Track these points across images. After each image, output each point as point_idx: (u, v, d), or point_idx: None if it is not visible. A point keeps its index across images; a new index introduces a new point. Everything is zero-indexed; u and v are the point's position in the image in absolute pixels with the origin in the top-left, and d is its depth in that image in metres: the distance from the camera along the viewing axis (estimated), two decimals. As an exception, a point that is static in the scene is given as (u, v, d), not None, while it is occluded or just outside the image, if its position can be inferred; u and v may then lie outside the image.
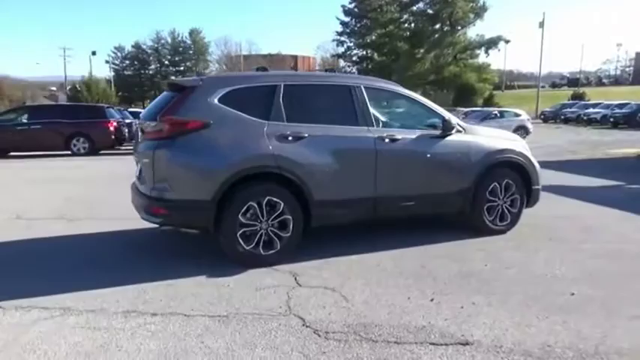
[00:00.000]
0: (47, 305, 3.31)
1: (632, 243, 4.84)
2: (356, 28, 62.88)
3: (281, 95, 4.25)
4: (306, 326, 3.02)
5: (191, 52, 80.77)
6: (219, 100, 4.06)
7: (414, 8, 57.68)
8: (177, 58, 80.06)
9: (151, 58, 79.65)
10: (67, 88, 48.64)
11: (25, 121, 14.60)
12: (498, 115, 22.69)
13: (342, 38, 63.92)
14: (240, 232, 4.01)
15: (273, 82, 4.31)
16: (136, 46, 78.34)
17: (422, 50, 54.16)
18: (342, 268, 4.11)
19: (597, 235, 5.17)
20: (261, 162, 4.06)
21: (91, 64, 49.57)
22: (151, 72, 78.96)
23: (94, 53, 48.05)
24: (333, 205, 4.37)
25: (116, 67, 77.11)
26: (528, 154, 5.30)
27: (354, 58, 65.11)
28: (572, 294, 3.54)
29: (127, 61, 78.56)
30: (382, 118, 4.79)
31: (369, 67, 61.64)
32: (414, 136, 4.73)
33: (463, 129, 4.98)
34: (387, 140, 4.51)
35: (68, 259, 4.42)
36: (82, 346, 2.75)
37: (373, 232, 5.17)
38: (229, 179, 3.93)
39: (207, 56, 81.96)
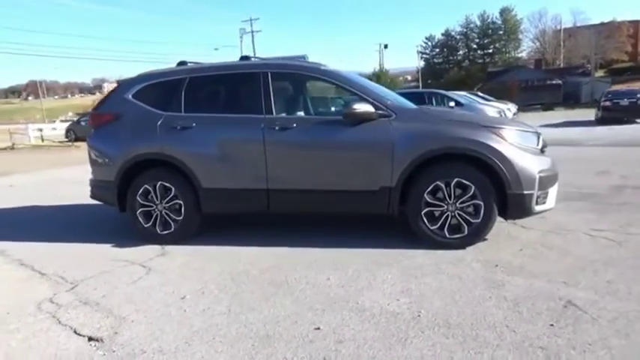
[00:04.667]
0: None
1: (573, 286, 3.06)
2: None
3: (184, 88, 4.55)
4: (50, 299, 3.46)
5: (501, 32, 77.47)
6: (133, 95, 4.68)
7: None
8: (485, 41, 78.24)
9: (459, 43, 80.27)
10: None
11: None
12: None
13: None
14: (139, 211, 4.58)
15: (181, 75, 4.62)
16: (446, 33, 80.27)
17: None
18: (203, 255, 4.19)
19: (583, 273, 3.42)
20: (149, 150, 4.50)
21: (381, 56, 53.66)
22: (459, 57, 79.70)
23: (385, 46, 51.90)
24: (222, 193, 4.42)
25: (426, 56, 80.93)
26: (502, 146, 3.86)
27: None
28: (317, 328, 2.78)
29: (437, 50, 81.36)
30: (286, 105, 4.42)
31: None
32: (315, 124, 4.22)
33: (393, 113, 4.08)
34: (276, 128, 4.21)
35: (60, 221, 5.85)
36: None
37: (325, 227, 4.87)
38: (125, 164, 4.54)
39: (518, 35, 77.13)
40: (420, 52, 78.66)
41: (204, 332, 2.78)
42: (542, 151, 4.21)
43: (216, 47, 72.20)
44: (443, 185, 3.94)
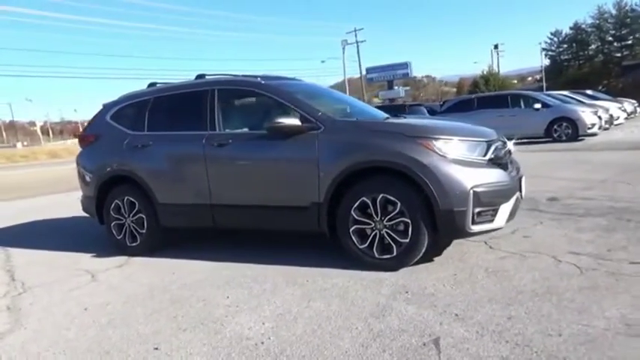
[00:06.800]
0: None
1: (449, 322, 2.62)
2: None
3: (148, 108, 4.82)
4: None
5: (642, 20, 68.53)
6: (111, 117, 5.08)
7: None
8: (623, 32, 69.81)
9: (591, 37, 72.60)
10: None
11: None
12: None
13: None
14: (113, 224, 4.93)
15: (147, 96, 4.90)
16: (575, 27, 73.21)
17: None
18: (152, 268, 4.36)
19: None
20: (117, 167, 4.82)
21: (492, 57, 50.15)
22: (590, 52, 72.14)
23: (495, 47, 48.49)
24: (174, 208, 4.57)
25: (552, 53, 74.53)
26: (428, 158, 3.49)
27: None
28: (156, 348, 2.78)
29: (564, 45, 74.54)
30: (230, 121, 4.42)
31: None
32: (249, 139, 4.20)
33: (322, 125, 3.90)
34: (215, 144, 4.26)
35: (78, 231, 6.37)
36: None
37: (286, 242, 4.81)
38: (100, 180, 4.93)
39: (665, 21, 67.60)
40: (545, 49, 72.58)
41: (64, 344, 2.91)
42: (495, 162, 3.71)
43: (322, 60, 73.68)
44: (369, 201, 3.65)
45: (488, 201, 3.49)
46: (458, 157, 3.50)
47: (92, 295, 3.76)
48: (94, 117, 5.31)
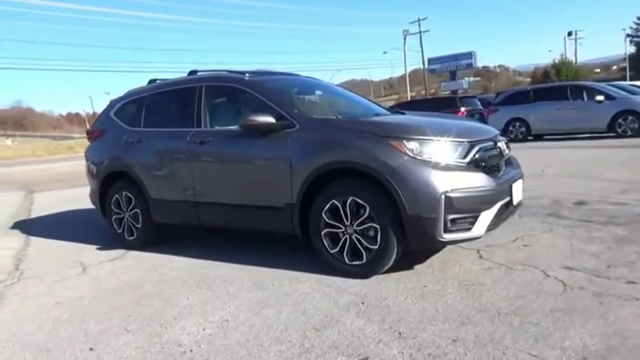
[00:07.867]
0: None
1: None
2: None
3: (145, 104, 4.89)
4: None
5: None
6: (114, 113, 5.20)
7: None
8: None
9: (686, 18, 65.87)
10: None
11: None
12: None
13: None
14: (114, 217, 5.07)
15: (145, 93, 4.96)
16: (666, 10, 66.65)
17: None
18: (139, 263, 4.43)
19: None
20: (115, 163, 4.93)
21: (565, 45, 46.25)
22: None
23: (569, 34, 44.98)
24: (165, 204, 4.60)
25: (639, 39, 68.55)
26: (397, 159, 3.25)
27: None
28: (91, 349, 2.79)
29: (654, 30, 68.22)
30: (216, 119, 4.35)
31: None
32: (229, 137, 4.12)
33: (297, 124, 3.76)
34: (198, 142, 4.24)
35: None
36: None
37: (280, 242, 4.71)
38: (102, 174, 5.07)
39: None
40: (630, 34, 66.78)
41: (19, 337, 2.99)
42: (478, 165, 3.39)
43: (384, 51, 72.14)
44: (339, 204, 3.47)
45: (465, 207, 3.20)
46: (432, 160, 3.22)
47: (72, 289, 3.86)
48: (101, 113, 5.46)
